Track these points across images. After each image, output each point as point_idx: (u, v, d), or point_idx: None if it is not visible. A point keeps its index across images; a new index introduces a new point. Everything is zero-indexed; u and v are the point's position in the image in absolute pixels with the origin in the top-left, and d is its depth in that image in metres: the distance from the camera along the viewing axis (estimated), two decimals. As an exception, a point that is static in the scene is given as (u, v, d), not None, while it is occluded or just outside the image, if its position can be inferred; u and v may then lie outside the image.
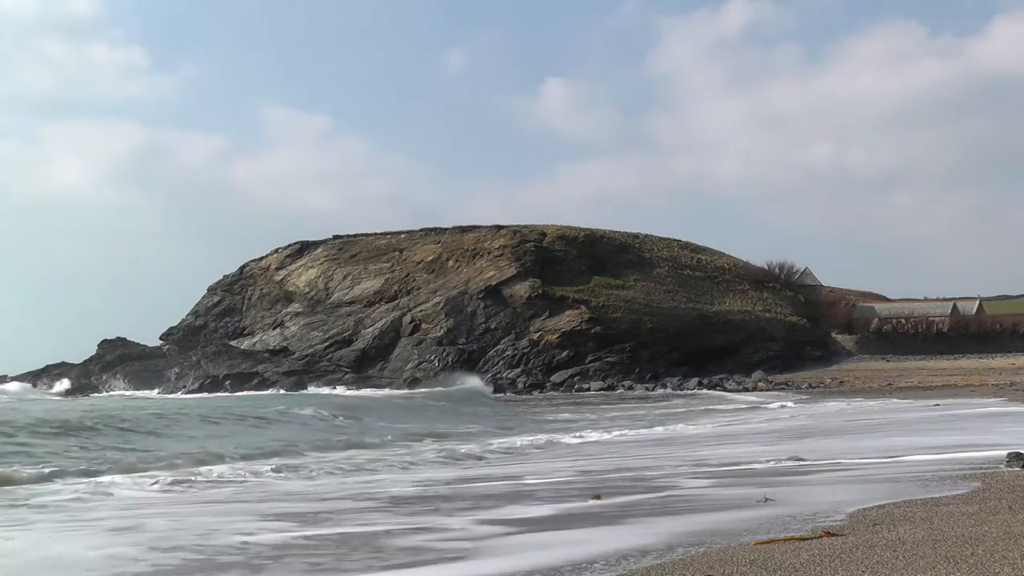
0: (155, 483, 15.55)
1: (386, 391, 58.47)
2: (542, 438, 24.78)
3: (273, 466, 18.14)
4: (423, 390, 56.80)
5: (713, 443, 21.83)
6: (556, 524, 10.08)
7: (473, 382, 60.48)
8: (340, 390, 60.23)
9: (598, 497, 11.98)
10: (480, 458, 20.20)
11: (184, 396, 57.86)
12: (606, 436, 25.37)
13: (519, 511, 11.18)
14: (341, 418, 33.18)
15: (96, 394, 64.57)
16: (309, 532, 9.99)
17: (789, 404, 40.47)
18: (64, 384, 68.39)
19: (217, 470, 17.43)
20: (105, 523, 11.23)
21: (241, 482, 15.91)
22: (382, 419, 33.46)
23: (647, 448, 21.17)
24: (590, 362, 66.85)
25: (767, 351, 71.63)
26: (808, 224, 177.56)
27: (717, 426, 28.33)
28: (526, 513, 10.98)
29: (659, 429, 27.65)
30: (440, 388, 57.94)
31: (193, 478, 16.30)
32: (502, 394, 57.97)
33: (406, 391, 57.08)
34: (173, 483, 15.67)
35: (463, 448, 22.20)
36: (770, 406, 39.23)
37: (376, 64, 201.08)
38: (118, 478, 16.20)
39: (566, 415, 36.87)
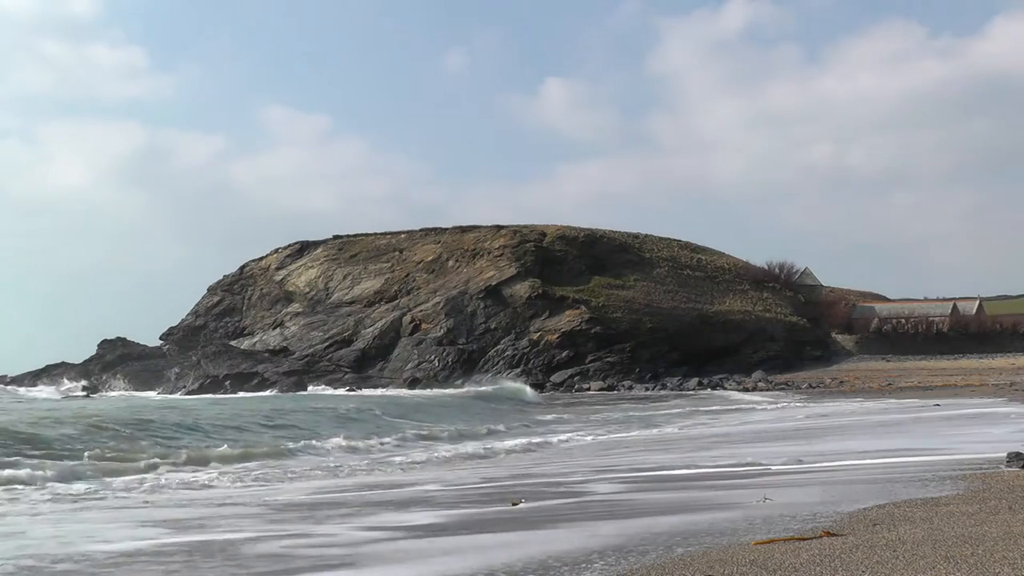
0: (88, 487, 15.24)
1: (390, 391, 58.28)
2: (526, 441, 24.48)
3: (220, 471, 17.99)
4: (457, 390, 56.14)
5: (711, 444, 21.79)
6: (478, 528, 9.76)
7: (508, 383, 59.25)
8: (341, 390, 60.09)
9: (516, 503, 11.63)
10: (479, 456, 20.14)
11: (184, 396, 57.78)
12: (590, 439, 25.11)
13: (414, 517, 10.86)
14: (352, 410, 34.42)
15: (95, 394, 64.53)
16: (173, 540, 9.70)
17: (788, 404, 40.46)
18: (68, 384, 68.46)
19: (175, 475, 17.36)
20: None
21: (164, 487, 15.61)
22: (389, 418, 33.54)
23: (626, 453, 21.09)
24: (590, 362, 66.84)
25: (767, 351, 71.63)
26: (808, 224, 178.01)
27: (715, 427, 28.30)
28: (415, 520, 10.65)
29: (655, 431, 27.59)
30: (485, 388, 56.65)
31: (140, 483, 16.11)
32: (545, 393, 56.93)
33: (453, 391, 55.73)
34: (120, 488, 15.39)
35: (421, 451, 22.15)
36: (769, 406, 39.21)
37: (376, 64, 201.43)
38: (77, 484, 15.90)
39: (563, 415, 36.79)
